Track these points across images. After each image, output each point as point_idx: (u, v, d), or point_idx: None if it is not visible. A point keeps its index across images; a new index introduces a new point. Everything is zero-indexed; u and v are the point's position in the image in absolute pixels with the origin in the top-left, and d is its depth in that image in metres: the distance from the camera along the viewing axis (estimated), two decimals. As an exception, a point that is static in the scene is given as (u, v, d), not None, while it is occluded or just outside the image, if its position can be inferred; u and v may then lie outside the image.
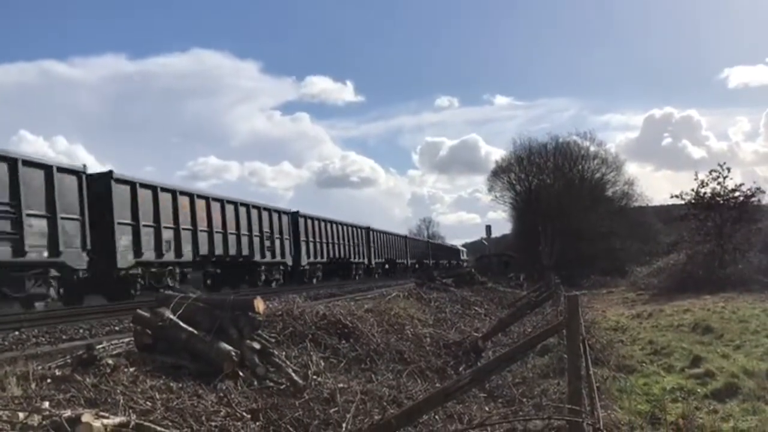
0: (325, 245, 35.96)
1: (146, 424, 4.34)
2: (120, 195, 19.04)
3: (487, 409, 7.21)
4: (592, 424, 4.49)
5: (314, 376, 6.76)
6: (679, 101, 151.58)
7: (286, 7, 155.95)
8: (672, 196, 31.37)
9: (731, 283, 24.03)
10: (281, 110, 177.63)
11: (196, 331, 6.77)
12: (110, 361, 5.93)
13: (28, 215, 15.47)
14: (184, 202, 22.36)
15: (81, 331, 10.41)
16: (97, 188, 18.23)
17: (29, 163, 15.69)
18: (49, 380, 5.34)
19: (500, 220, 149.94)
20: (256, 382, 6.30)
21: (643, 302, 23.59)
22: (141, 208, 19.89)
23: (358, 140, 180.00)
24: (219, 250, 24.46)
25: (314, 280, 34.00)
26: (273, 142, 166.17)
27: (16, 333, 9.89)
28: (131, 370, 5.87)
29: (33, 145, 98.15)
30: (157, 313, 7.01)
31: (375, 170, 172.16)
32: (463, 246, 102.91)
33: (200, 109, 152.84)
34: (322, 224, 36.10)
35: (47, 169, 16.20)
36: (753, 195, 29.08)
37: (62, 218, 16.35)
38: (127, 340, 7.37)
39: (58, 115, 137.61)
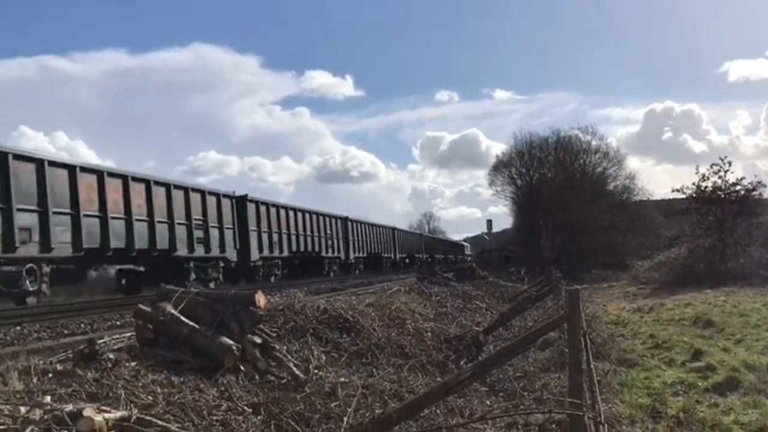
0: (286, 237, 30.33)
1: (148, 418, 4.34)
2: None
3: (488, 403, 7.22)
4: (593, 418, 4.50)
5: (315, 371, 6.77)
6: (680, 95, 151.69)
7: (286, 1, 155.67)
8: (673, 190, 31.32)
9: (732, 277, 24.01)
10: (281, 105, 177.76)
11: (197, 326, 6.78)
12: (112, 356, 5.94)
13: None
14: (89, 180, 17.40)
15: (82, 325, 10.41)
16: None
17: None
18: (50, 375, 5.35)
19: (501, 215, 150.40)
20: (257, 377, 6.32)
21: (644, 296, 23.60)
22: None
23: (359, 135, 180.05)
24: (117, 243, 18.34)
25: (271, 279, 28.60)
26: (273, 137, 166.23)
27: (18, 328, 9.90)
28: (133, 364, 5.88)
29: (33, 140, 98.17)
30: (158, 307, 7.02)
31: (375, 165, 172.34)
32: (465, 241, 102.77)
33: (200, 104, 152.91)
34: (282, 212, 30.48)
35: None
36: (754, 189, 29.05)
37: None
38: (128, 334, 7.38)
39: (59, 111, 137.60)
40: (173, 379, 5.64)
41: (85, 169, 17.40)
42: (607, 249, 45.57)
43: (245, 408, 5.25)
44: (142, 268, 20.45)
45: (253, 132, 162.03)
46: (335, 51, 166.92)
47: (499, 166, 59.71)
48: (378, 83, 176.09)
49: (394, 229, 53.83)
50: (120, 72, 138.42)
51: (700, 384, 8.57)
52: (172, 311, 6.92)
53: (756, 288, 21.01)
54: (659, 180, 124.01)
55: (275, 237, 29.25)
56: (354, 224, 41.71)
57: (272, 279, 28.60)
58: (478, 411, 6.55)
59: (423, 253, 63.69)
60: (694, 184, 29.66)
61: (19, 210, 14.86)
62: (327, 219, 36.20)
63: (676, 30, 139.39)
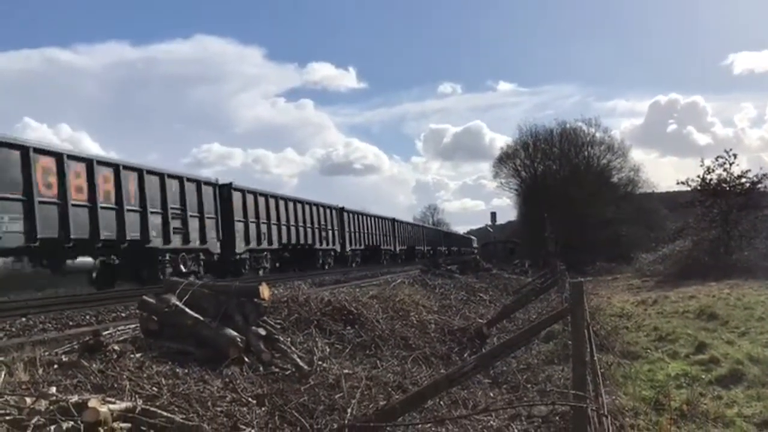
0: (275, 228, 28.92)
1: (152, 409, 4.37)
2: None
3: (491, 395, 7.24)
4: (596, 410, 4.51)
5: (319, 362, 6.79)
6: (685, 87, 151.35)
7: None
8: (678, 183, 31.25)
9: (737, 270, 23.97)
10: (285, 97, 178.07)
11: (201, 318, 6.80)
12: (117, 347, 5.97)
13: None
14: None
15: (87, 317, 10.45)
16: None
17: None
18: (56, 366, 5.38)
19: (505, 207, 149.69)
20: (261, 368, 6.34)
21: (648, 289, 23.58)
22: None
23: (362, 127, 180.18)
24: (80, 233, 16.77)
25: (259, 272, 27.05)
26: (277, 128, 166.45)
27: (23, 319, 9.95)
28: (137, 356, 5.91)
29: (37, 132, 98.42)
30: (163, 299, 7.05)
31: (379, 157, 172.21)
32: (469, 233, 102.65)
33: (204, 96, 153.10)
34: (272, 201, 29.00)
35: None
36: (759, 181, 28.96)
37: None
38: (133, 326, 7.43)
39: (62, 103, 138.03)
40: (178, 370, 5.66)
41: (42, 151, 15.87)
42: (612, 241, 45.53)
43: (249, 399, 5.27)
44: (115, 260, 18.83)
45: (257, 124, 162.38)
46: (338, 43, 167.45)
47: (504, 158, 59.76)
48: (381, 76, 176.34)
49: (394, 220, 51.89)
50: (124, 64, 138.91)
51: (703, 377, 8.57)
52: (177, 303, 6.95)
53: (760, 281, 20.95)
54: (664, 172, 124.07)
55: (263, 228, 27.76)
56: (351, 215, 40.23)
57: (260, 272, 27.01)
58: (481, 403, 6.57)
59: (424, 246, 62.46)
60: (699, 176, 29.61)
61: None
62: (321, 209, 34.74)
63: (680, 22, 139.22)
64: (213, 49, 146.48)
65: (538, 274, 26.18)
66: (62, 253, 16.49)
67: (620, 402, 7.19)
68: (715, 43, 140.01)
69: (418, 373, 7.42)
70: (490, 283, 23.03)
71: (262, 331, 6.90)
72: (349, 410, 5.30)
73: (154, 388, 5.01)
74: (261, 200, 27.88)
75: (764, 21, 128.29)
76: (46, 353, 5.90)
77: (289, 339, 7.42)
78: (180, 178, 21.93)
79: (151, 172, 20.13)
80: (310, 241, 32.85)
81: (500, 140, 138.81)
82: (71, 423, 3.75)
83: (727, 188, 28.93)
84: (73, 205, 16.45)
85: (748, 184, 28.88)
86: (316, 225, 33.66)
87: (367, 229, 43.96)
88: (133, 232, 18.93)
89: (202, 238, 22.90)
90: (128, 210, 18.70)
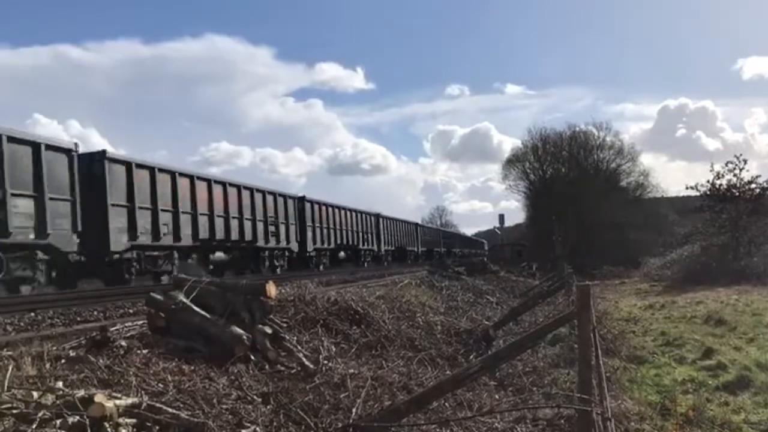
0: (333, 231, 34.81)
1: (158, 405, 4.38)
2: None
3: (497, 397, 7.22)
4: (601, 414, 4.50)
5: (325, 361, 6.79)
6: (695, 92, 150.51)
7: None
8: (687, 188, 31.18)
9: (746, 276, 23.87)
10: (294, 97, 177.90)
11: (208, 315, 6.82)
12: (123, 343, 5.99)
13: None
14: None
15: (95, 313, 10.49)
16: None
17: (15, 140, 14.69)
18: (63, 361, 5.41)
19: (513, 209, 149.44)
20: (267, 366, 6.34)
21: (656, 293, 23.52)
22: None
23: (371, 127, 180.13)
24: (221, 235, 23.82)
25: (320, 267, 32.44)
26: (285, 128, 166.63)
27: (32, 314, 10.00)
28: (144, 352, 5.93)
29: (47, 128, 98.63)
30: (170, 296, 7.07)
31: (386, 158, 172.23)
32: (477, 235, 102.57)
33: (213, 95, 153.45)
34: (330, 210, 34.72)
35: (35, 146, 15.22)
36: (769, 187, 28.83)
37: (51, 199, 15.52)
38: (140, 322, 7.45)
39: (73, 99, 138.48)
40: (184, 367, 5.67)
41: (202, 179, 22.67)
42: (620, 245, 45.42)
43: (255, 397, 5.28)
44: (225, 256, 23.98)
45: (266, 123, 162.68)
46: (346, 43, 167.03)
47: (513, 161, 59.69)
48: (388, 77, 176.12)
49: (417, 224, 57.50)
50: (134, 61, 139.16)
51: (710, 382, 8.55)
52: (184, 300, 6.97)
53: (769, 287, 20.87)
54: (673, 177, 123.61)
55: (325, 232, 33.58)
56: (384, 220, 45.28)
57: (321, 267, 32.41)
58: (486, 405, 6.55)
59: (441, 248, 65.15)
60: (708, 181, 29.55)
61: (162, 210, 19.97)
62: (363, 216, 40.34)
63: (690, 26, 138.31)
64: (223, 48, 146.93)
65: (546, 277, 26.13)
66: (210, 250, 22.99)
67: (626, 406, 7.17)
68: (724, 47, 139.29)
69: (424, 374, 7.41)
70: (498, 285, 23.02)
71: (269, 330, 6.90)
72: (353, 410, 5.30)
73: (160, 385, 5.03)
74: (323, 209, 33.72)
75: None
76: (54, 348, 5.94)
77: (295, 338, 7.43)
78: (274, 194, 28.00)
79: (258, 190, 26.41)
80: (355, 242, 38.41)
81: (508, 142, 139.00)
82: (77, 417, 3.77)
83: (737, 194, 28.83)
84: (217, 216, 22.97)
85: (758, 190, 28.79)
86: (359, 229, 39.37)
87: (397, 232, 48.90)
88: (248, 236, 25.12)
89: (287, 239, 28.96)
90: (246, 219, 25.02)
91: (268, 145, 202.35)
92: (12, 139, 14.46)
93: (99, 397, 3.95)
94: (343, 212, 36.57)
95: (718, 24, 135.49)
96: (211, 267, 22.95)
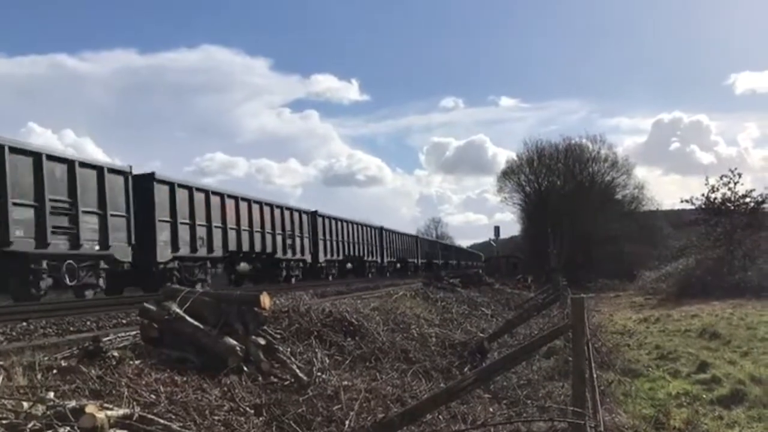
0: (340, 243, 36.14)
1: (150, 416, 4.35)
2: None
3: (491, 410, 7.19)
4: (594, 427, 4.48)
5: (318, 373, 6.76)
6: (689, 106, 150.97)
7: (296, 4, 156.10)
8: (682, 201, 31.29)
9: (740, 290, 23.91)
10: (290, 108, 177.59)
11: (201, 326, 6.79)
12: (116, 354, 5.95)
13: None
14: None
15: (88, 323, 10.42)
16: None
17: (85, 165, 17.14)
18: (54, 371, 5.37)
19: (508, 222, 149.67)
20: (260, 378, 6.31)
21: (650, 306, 23.54)
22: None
23: (367, 139, 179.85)
24: (246, 247, 25.56)
25: (329, 277, 33.82)
26: (281, 139, 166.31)
27: (24, 324, 9.93)
28: (136, 362, 5.89)
29: (41, 137, 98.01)
30: (163, 306, 7.03)
31: (381, 169, 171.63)
32: (471, 247, 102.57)
33: (209, 105, 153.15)
34: (338, 223, 36.21)
35: (99, 169, 17.73)
36: (764, 201, 28.94)
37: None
38: (133, 332, 7.40)
39: (68, 109, 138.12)
40: (176, 378, 5.64)
41: (230, 196, 24.08)
42: (615, 258, 45.49)
43: (247, 409, 5.26)
44: (248, 266, 25.45)
45: (261, 134, 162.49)
46: (341, 55, 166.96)
47: (509, 173, 59.81)
48: (383, 88, 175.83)
49: (416, 237, 59.15)
50: (130, 71, 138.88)
51: (704, 396, 8.54)
52: (177, 310, 6.94)
53: (764, 301, 20.91)
54: (667, 190, 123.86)
55: (335, 244, 35.02)
56: (386, 233, 46.22)
57: (330, 277, 33.77)
58: (480, 418, 6.53)
59: (440, 259, 65.29)
60: (703, 195, 29.63)
61: (199, 225, 21.58)
62: (367, 229, 41.66)
63: (683, 40, 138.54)
64: (220, 58, 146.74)
65: (541, 290, 26.13)
66: (237, 261, 24.58)
67: (620, 420, 7.15)
68: (717, 62, 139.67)
69: (418, 387, 7.38)
70: (493, 297, 23.02)
71: (262, 341, 6.88)
72: (347, 422, 5.28)
73: (152, 396, 5.00)
74: (333, 222, 35.06)
75: (765, 41, 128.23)
76: (46, 358, 5.89)
77: (288, 349, 7.40)
78: (291, 210, 29.60)
79: (277, 206, 28.05)
80: (361, 254, 39.69)
81: (503, 154, 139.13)
82: (68, 428, 3.74)
83: (732, 207, 28.92)
84: (243, 230, 24.55)
85: (752, 204, 28.87)
86: (364, 241, 40.55)
87: (398, 245, 50.15)
88: (270, 247, 26.68)
89: (302, 251, 30.49)
90: (267, 232, 26.52)
91: (263, 156, 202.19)
92: (83, 164, 16.97)
93: (90, 408, 3.92)
94: (350, 226, 38.10)
95: (710, 39, 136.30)
96: (233, 276, 24.73)
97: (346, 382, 6.61)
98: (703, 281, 26.47)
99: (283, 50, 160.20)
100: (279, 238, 28.04)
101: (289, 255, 29.25)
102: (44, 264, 16.00)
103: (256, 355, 6.62)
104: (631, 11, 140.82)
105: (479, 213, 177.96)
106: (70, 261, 16.57)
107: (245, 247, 24.92)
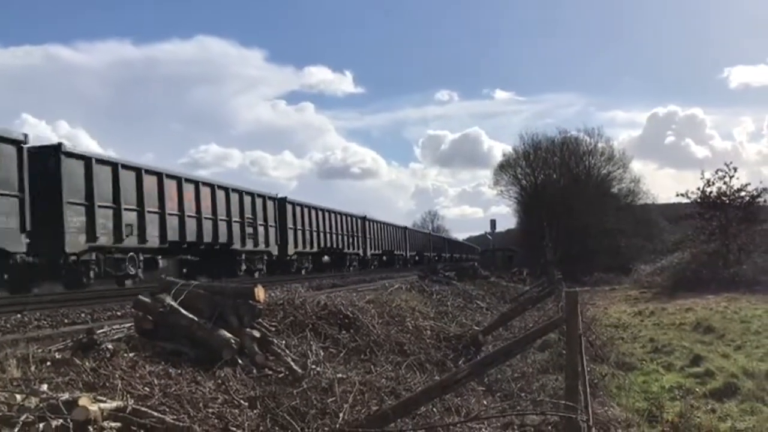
0: (315, 234, 33.43)
1: (143, 409, 4.35)
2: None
3: (484, 402, 7.22)
4: (586, 421, 4.50)
5: (313, 366, 6.77)
6: (684, 100, 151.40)
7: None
8: (678, 195, 31.39)
9: (735, 283, 24.00)
10: (286, 99, 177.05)
11: (196, 318, 6.79)
12: (110, 346, 5.95)
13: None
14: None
15: (82, 315, 10.42)
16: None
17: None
18: (48, 363, 5.36)
19: (504, 215, 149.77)
20: (254, 370, 6.32)
21: (645, 300, 23.61)
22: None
23: (363, 131, 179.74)
24: (191, 237, 22.22)
25: (302, 271, 31.17)
26: (276, 131, 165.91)
27: (18, 316, 9.92)
28: (131, 355, 5.89)
29: (35, 128, 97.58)
30: (158, 299, 7.03)
31: (377, 162, 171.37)
32: (467, 240, 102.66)
33: (204, 97, 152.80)
34: (313, 212, 33.38)
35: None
36: (759, 195, 29.02)
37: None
38: (128, 325, 7.39)
39: (62, 100, 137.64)
40: (171, 370, 5.64)
41: (169, 176, 20.99)
42: (610, 252, 45.61)
43: (242, 401, 5.26)
44: (196, 259, 22.71)
45: (256, 126, 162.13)
46: (335, 46, 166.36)
47: (505, 166, 59.82)
48: (378, 81, 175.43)
49: (405, 228, 55.82)
50: (124, 62, 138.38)
51: (698, 389, 8.58)
52: (172, 303, 6.93)
53: (758, 294, 21.00)
54: (662, 184, 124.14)
55: (307, 234, 32.20)
56: (371, 223, 43.76)
57: (303, 271, 31.01)
58: (474, 410, 6.55)
59: (431, 252, 64.19)
60: (699, 189, 29.70)
61: (125, 209, 18.58)
62: (348, 218, 38.94)
63: (678, 34, 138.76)
64: (214, 50, 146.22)
65: (536, 283, 26.18)
66: (180, 253, 21.83)
67: (613, 413, 7.18)
68: (711, 56, 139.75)
69: (412, 379, 7.39)
70: (488, 290, 23.03)
71: (257, 333, 6.89)
72: (341, 415, 5.29)
73: (146, 388, 5.00)
74: (306, 211, 32.28)
75: (759, 35, 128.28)
76: (40, 350, 5.89)
77: (283, 342, 7.40)
78: (252, 194, 26.54)
79: (234, 190, 25.09)
80: (340, 246, 36.94)
81: (499, 148, 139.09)
82: (60, 421, 3.74)
83: (727, 201, 29.00)
84: (188, 216, 21.63)
85: (747, 198, 28.95)
86: (344, 232, 37.94)
87: (384, 236, 47.47)
88: (222, 237, 23.81)
89: (266, 242, 27.49)
90: (220, 220, 23.65)
91: (257, 148, 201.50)
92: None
93: (83, 401, 3.92)
94: (327, 214, 35.32)
95: (705, 33, 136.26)
96: (184, 270, 21.73)
97: (340, 375, 6.61)
98: (698, 275, 26.57)
99: (277, 41, 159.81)
100: (236, 227, 24.95)
101: (250, 246, 25.96)
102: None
103: (251, 348, 6.62)
104: (626, 5, 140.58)
105: (475, 206, 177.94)
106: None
107: (191, 236, 21.71)
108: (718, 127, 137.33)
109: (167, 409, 4.62)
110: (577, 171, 55.59)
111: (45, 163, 16.26)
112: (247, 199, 26.06)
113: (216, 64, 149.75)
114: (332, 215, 36.13)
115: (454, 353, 9.82)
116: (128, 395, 4.69)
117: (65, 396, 4.08)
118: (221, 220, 23.73)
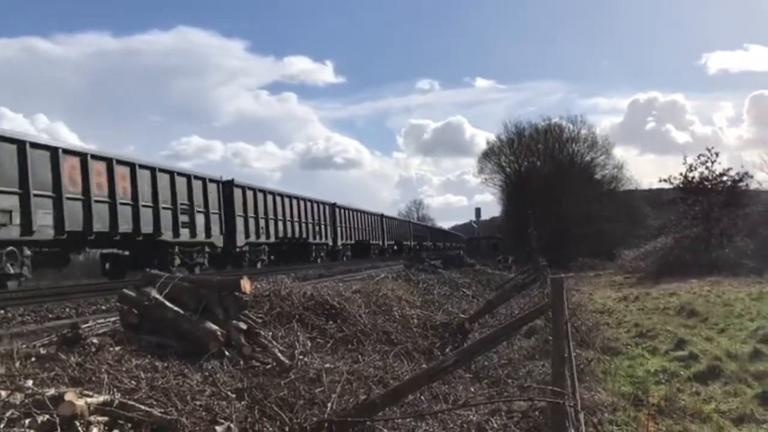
0: (273, 222, 29.48)
1: (130, 403, 4.33)
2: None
3: (472, 389, 7.26)
4: (573, 406, 4.54)
5: (300, 356, 6.78)
6: (666, 86, 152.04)
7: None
8: (660, 180, 31.58)
9: (718, 267, 24.22)
10: (268, 90, 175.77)
11: (182, 311, 6.76)
12: (95, 340, 5.92)
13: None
14: None
15: (67, 309, 10.36)
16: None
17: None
18: (33, 359, 5.32)
19: (488, 203, 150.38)
20: (242, 362, 6.31)
21: (630, 285, 23.79)
22: None
23: (346, 121, 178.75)
24: (101, 226, 18.00)
25: (258, 264, 27.82)
26: (258, 122, 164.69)
27: (2, 311, 9.84)
28: (116, 349, 5.86)
29: (13, 122, 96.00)
30: (143, 292, 6.99)
31: (360, 152, 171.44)
32: (453, 228, 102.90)
33: (185, 88, 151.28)
34: (270, 198, 29.31)
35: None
36: (740, 180, 29.28)
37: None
38: (113, 319, 7.36)
39: (40, 93, 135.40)
40: (157, 363, 5.62)
41: (68, 151, 16.87)
42: (595, 238, 45.92)
43: (229, 393, 5.24)
44: (126, 253, 19.97)
45: (238, 117, 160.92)
46: (315, 36, 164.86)
47: (489, 154, 60.02)
48: (359, 70, 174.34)
49: (382, 216, 52.51)
50: (104, 54, 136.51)
51: (682, 373, 8.67)
52: (157, 296, 6.90)
53: (740, 278, 21.22)
54: (643, 170, 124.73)
55: (262, 223, 28.13)
56: (342, 210, 40.66)
57: (258, 265, 27.51)
58: (462, 398, 6.60)
59: (411, 241, 62.31)
60: (681, 174, 29.89)
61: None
62: (315, 205, 35.25)
63: (658, 21, 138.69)
64: (195, 41, 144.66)
65: (521, 270, 26.32)
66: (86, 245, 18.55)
67: (600, 397, 7.24)
68: (690, 42, 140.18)
69: (400, 368, 7.42)
70: (474, 278, 23.13)
71: (243, 325, 6.87)
72: (329, 404, 5.29)
73: (132, 382, 4.97)
74: (260, 196, 28.18)
75: (737, 20, 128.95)
76: (24, 346, 5.85)
77: (270, 333, 7.40)
78: (188, 176, 22.72)
79: (163, 170, 21.16)
80: (304, 236, 33.12)
81: (481, 136, 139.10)
82: (47, 416, 3.71)
83: (709, 186, 29.21)
84: (97, 201, 17.69)
85: (729, 183, 29.18)
86: (310, 220, 34.08)
87: (357, 225, 44.09)
88: (147, 227, 19.96)
89: (207, 232, 23.64)
90: (143, 206, 19.70)
91: (240, 139, 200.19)
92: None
93: (69, 396, 3.89)
94: (287, 200, 31.27)
95: (683, 19, 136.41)
96: (107, 266, 20.19)
97: (328, 365, 6.63)
98: (682, 259, 26.80)
99: (259, 31, 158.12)
100: (167, 214, 21.08)
101: (185, 237, 22.24)
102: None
103: (238, 340, 6.61)
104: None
105: (459, 194, 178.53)
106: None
107: (100, 225, 17.88)
108: (699, 112, 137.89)
109: (154, 403, 4.60)
110: (561, 158, 55.89)
111: None
112: (181, 182, 22.08)
113: (197, 54, 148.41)
114: (294, 201, 32.27)
115: (441, 341, 9.85)
116: (115, 389, 4.66)
117: (51, 391, 4.05)
118: (144, 206, 19.79)
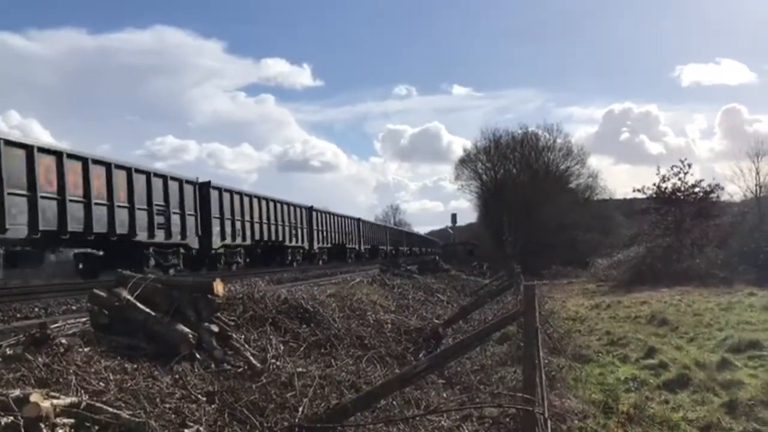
0: (249, 225, 29.20)
1: (98, 404, 4.28)
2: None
3: (444, 395, 7.27)
4: (542, 413, 4.56)
5: (273, 360, 6.73)
6: (640, 97, 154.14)
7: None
8: (634, 190, 31.99)
9: (688, 277, 24.59)
10: (246, 92, 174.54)
11: (153, 313, 6.69)
12: (64, 341, 5.82)
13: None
14: None
15: (36, 309, 10.21)
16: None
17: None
18: (-1, 359, 5.24)
19: (465, 209, 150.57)
20: (213, 365, 6.26)
21: (602, 293, 24.02)
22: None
23: (324, 125, 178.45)
24: (75, 226, 17.59)
25: (233, 267, 27.69)
26: (234, 123, 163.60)
27: (-32, 310, 9.67)
28: (86, 350, 5.78)
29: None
30: (114, 293, 6.92)
31: (337, 155, 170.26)
32: (429, 234, 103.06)
33: (161, 88, 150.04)
34: (246, 200, 29.12)
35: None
36: (712, 191, 29.76)
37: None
38: (83, 319, 7.25)
39: (13, 89, 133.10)
40: (126, 365, 5.56)
41: (44, 150, 16.52)
42: (568, 246, 46.33)
43: (199, 396, 5.21)
44: (100, 252, 19.53)
45: (214, 118, 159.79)
46: (293, 39, 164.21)
47: (465, 161, 60.34)
48: (337, 74, 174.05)
49: (359, 220, 52.37)
50: (79, 52, 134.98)
51: (652, 381, 8.77)
52: (128, 297, 6.82)
53: (710, 288, 21.54)
54: (617, 179, 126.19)
55: (238, 225, 27.99)
56: (318, 214, 40.36)
57: (234, 267, 27.47)
58: (434, 403, 6.60)
59: (388, 245, 61.90)
60: (654, 184, 30.31)
61: None
62: (291, 208, 35.00)
63: (632, 32, 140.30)
64: (172, 40, 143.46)
65: (496, 276, 26.45)
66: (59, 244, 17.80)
67: (570, 404, 7.29)
68: (663, 54, 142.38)
69: (373, 373, 7.41)
70: (449, 284, 23.17)
71: (215, 328, 6.82)
72: (300, 409, 5.28)
73: (101, 384, 4.91)
74: (236, 198, 28.02)
75: (710, 34, 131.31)
76: (-10, 346, 5.75)
77: (242, 336, 7.35)
78: (164, 177, 22.41)
79: (139, 171, 20.85)
80: (280, 238, 32.94)
81: (458, 143, 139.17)
82: (11, 418, 3.65)
83: (682, 197, 29.66)
84: (71, 201, 17.28)
85: (701, 194, 29.66)
86: (286, 223, 33.80)
87: (334, 228, 43.82)
88: (122, 227, 19.64)
89: (183, 234, 23.33)
90: (118, 206, 19.35)
91: (215, 140, 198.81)
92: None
93: (35, 397, 3.83)
94: (264, 203, 31.24)
95: (658, 31, 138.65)
96: (80, 266, 19.34)
97: (300, 369, 6.60)
98: (653, 269, 27.16)
99: (237, 33, 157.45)
100: (142, 215, 20.78)
101: (160, 238, 21.97)
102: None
103: (209, 343, 6.56)
104: (579, 4, 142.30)
105: (436, 200, 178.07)
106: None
107: (75, 225, 17.66)
108: (672, 124, 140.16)
109: (123, 405, 4.55)
110: (537, 166, 56.38)
111: None
112: (157, 183, 21.88)
113: (173, 54, 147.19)
114: (271, 204, 32.10)
115: (414, 346, 9.85)
116: (83, 391, 4.61)
117: (16, 392, 3.99)
118: (120, 206, 19.51)
